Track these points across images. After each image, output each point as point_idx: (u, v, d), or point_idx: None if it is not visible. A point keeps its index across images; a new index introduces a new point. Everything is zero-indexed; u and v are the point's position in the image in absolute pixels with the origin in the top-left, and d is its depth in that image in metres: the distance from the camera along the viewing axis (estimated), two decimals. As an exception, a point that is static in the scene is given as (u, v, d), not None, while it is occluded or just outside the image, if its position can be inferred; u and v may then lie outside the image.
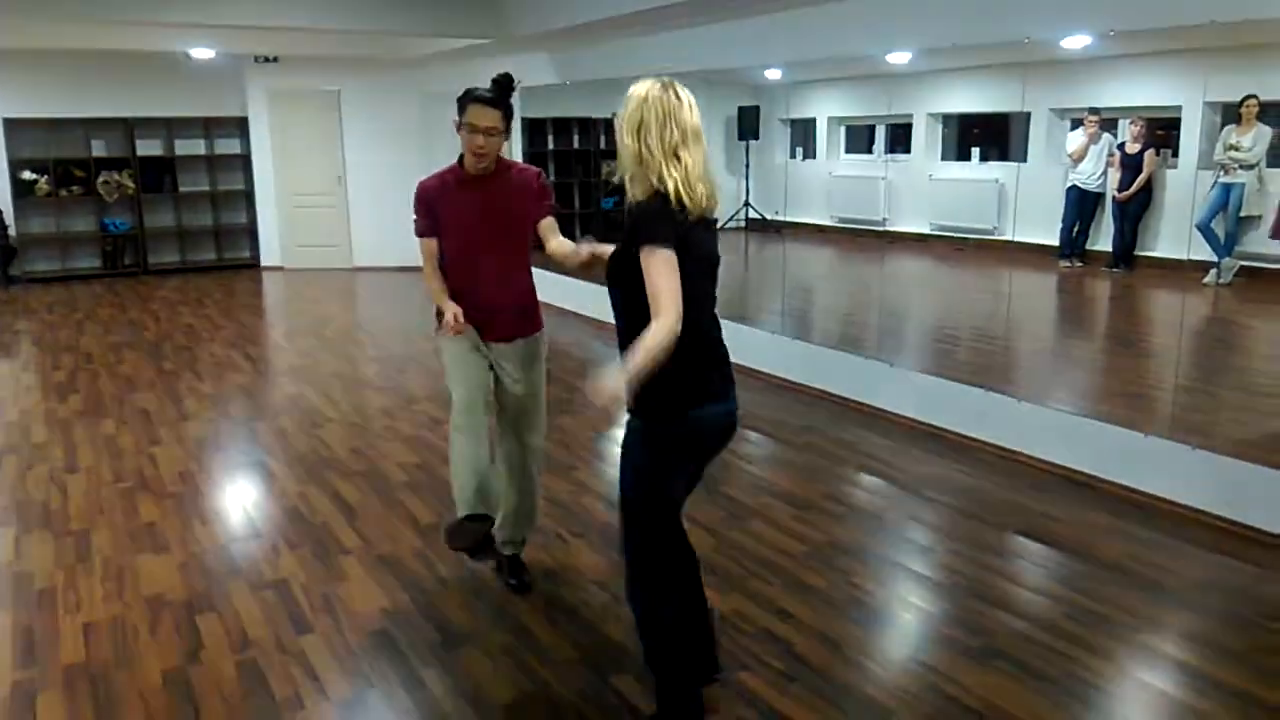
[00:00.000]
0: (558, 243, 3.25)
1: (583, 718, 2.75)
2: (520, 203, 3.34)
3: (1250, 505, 3.94)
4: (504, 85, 3.25)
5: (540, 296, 3.58)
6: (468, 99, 3.22)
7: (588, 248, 3.07)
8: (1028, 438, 4.81)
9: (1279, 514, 3.85)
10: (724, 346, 2.59)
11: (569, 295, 8.14)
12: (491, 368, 3.43)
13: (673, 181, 2.37)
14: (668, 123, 2.39)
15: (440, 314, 3.33)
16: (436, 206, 3.37)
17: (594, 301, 7.78)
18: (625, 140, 2.44)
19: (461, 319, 3.24)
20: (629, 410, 2.51)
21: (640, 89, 2.43)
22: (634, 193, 2.46)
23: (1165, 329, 7.05)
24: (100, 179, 10.81)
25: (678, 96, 2.43)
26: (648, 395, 2.41)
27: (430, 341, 7.57)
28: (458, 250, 3.38)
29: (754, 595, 3.45)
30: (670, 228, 2.36)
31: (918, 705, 2.80)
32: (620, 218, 2.57)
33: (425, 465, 4.83)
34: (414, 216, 3.40)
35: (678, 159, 2.39)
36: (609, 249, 2.83)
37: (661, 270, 2.33)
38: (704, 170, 2.43)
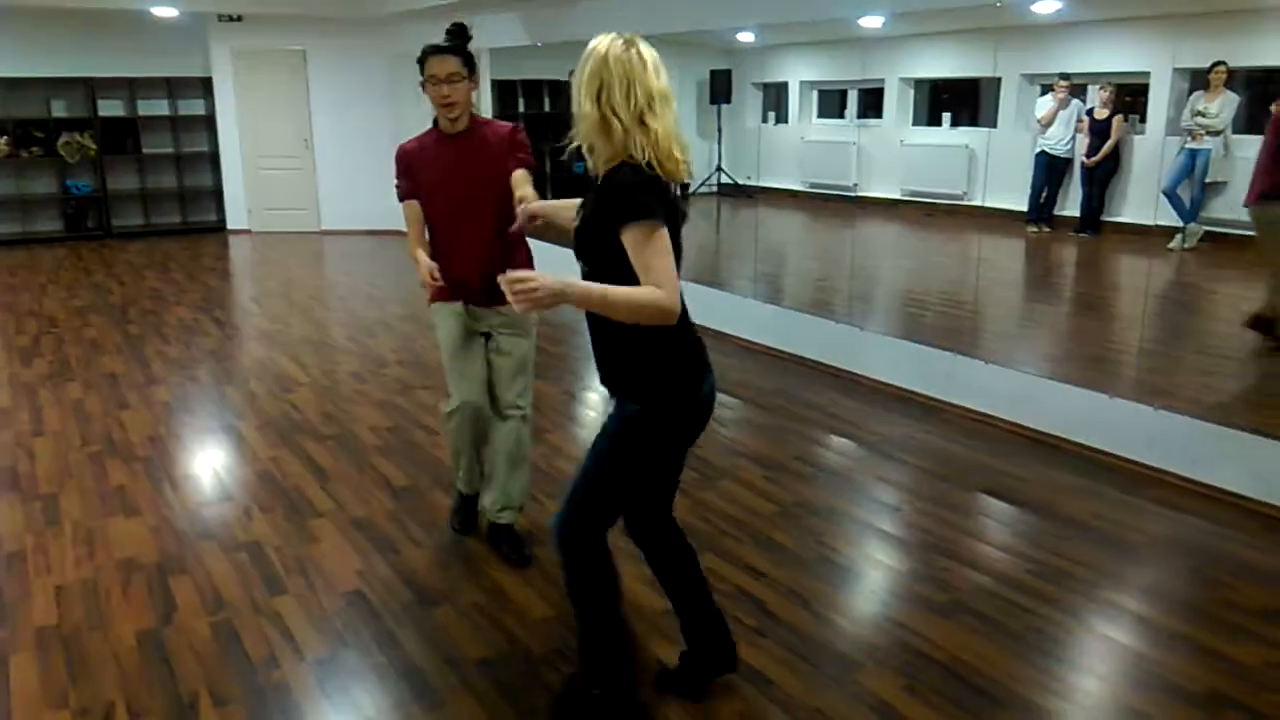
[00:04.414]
0: (521, 193, 3.03)
1: (558, 674, 2.78)
2: (499, 160, 3.22)
3: (1211, 464, 4.03)
4: (457, 32, 3.19)
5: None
6: (425, 53, 3.18)
7: (531, 207, 2.79)
8: (994, 400, 4.87)
9: (1239, 473, 3.95)
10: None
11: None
12: (486, 336, 3.45)
13: (642, 152, 2.15)
14: (632, 87, 2.14)
15: (433, 291, 3.34)
16: (415, 169, 3.34)
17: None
18: (584, 106, 2.18)
19: (437, 274, 3.20)
20: (623, 398, 2.36)
21: (600, 46, 2.18)
22: (595, 163, 2.25)
23: (1130, 293, 7.16)
24: (61, 140, 10.60)
25: (641, 56, 2.17)
26: (655, 378, 2.29)
27: (401, 306, 7.54)
28: (439, 214, 3.35)
29: (726, 554, 3.49)
30: (659, 200, 2.16)
31: (886, 659, 2.86)
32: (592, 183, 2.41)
33: (397, 429, 4.82)
34: (395, 182, 3.37)
35: (645, 126, 2.16)
36: (553, 206, 2.72)
37: (658, 249, 2.12)
38: (675, 136, 2.20)
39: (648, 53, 2.20)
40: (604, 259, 2.19)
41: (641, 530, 2.62)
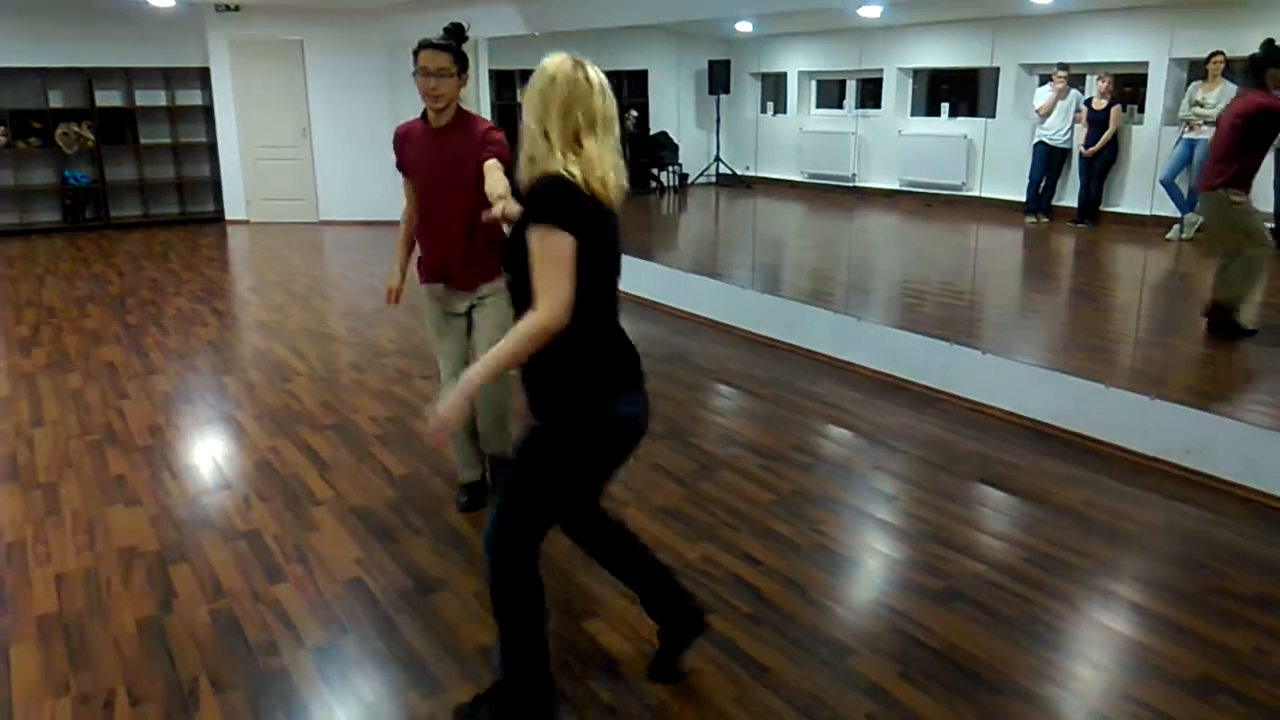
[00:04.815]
0: (492, 180, 3.05)
1: (556, 660, 2.79)
2: (475, 154, 3.31)
3: (1205, 453, 4.05)
4: (453, 31, 3.41)
5: None
6: (419, 46, 3.36)
7: (497, 211, 2.71)
8: (991, 389, 4.89)
9: (1232, 461, 3.96)
10: (633, 347, 2.39)
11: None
12: (468, 313, 3.63)
13: (569, 174, 2.16)
14: (573, 107, 2.18)
15: (419, 265, 3.62)
16: (403, 151, 3.56)
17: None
18: (529, 121, 2.22)
19: (394, 295, 3.63)
20: (533, 411, 2.34)
21: (549, 66, 2.22)
22: (530, 175, 2.24)
23: (1127, 284, 7.17)
24: (59, 130, 10.58)
25: (588, 78, 2.21)
26: (558, 393, 2.27)
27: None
28: (420, 200, 3.58)
29: (723, 543, 3.51)
30: (576, 211, 2.15)
31: (880, 645, 2.88)
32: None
33: (397, 419, 4.84)
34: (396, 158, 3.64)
35: (579, 146, 2.18)
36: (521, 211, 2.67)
37: (555, 257, 2.11)
38: (613, 162, 2.22)
39: (595, 75, 2.23)
40: (525, 267, 2.17)
41: (574, 529, 2.66)
